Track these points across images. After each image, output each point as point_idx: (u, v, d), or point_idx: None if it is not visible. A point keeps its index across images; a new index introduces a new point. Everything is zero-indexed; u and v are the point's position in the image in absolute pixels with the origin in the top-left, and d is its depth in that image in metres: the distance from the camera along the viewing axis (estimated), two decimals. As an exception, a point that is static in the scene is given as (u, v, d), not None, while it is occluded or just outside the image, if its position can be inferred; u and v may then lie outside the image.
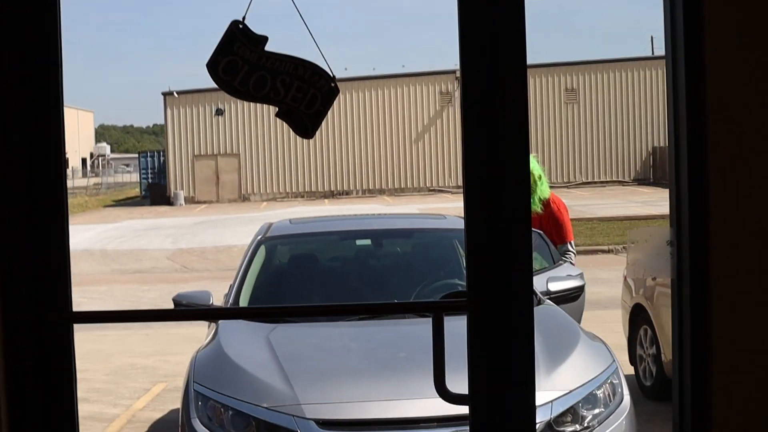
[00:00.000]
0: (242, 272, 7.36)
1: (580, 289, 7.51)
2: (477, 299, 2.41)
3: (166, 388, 10.98)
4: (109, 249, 28.55)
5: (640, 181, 52.54)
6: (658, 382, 9.35)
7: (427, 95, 52.95)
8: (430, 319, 6.44)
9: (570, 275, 7.73)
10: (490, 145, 2.41)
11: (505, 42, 2.38)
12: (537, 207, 9.20)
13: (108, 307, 17.66)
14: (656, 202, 36.83)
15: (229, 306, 7.01)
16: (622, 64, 53.68)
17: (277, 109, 2.37)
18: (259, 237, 7.89)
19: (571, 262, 8.72)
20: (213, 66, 2.33)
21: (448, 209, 38.85)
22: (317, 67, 2.35)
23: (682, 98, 2.48)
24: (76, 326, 2.47)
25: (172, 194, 51.66)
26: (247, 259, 7.54)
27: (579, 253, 28.24)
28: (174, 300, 7.12)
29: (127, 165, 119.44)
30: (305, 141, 53.40)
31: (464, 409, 5.16)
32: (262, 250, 7.65)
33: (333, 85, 2.37)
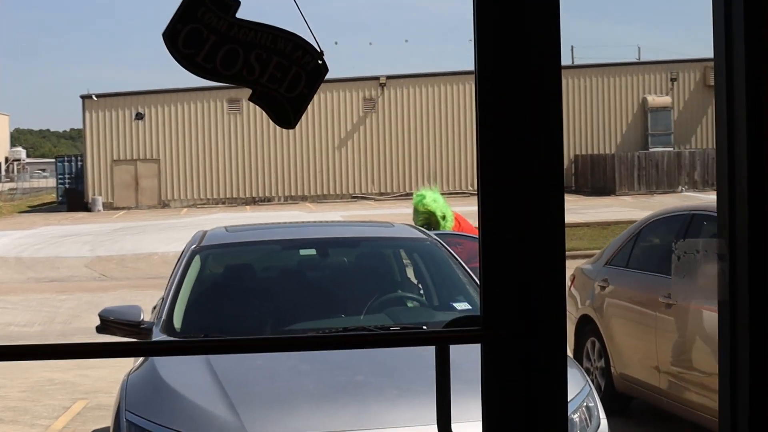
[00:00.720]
0: (175, 285, 6.68)
1: None
2: (494, 327, 1.96)
3: (87, 405, 10.33)
4: (24, 256, 27.70)
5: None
6: (607, 397, 8.99)
7: (350, 101, 52.54)
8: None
9: None
10: (510, 133, 1.96)
11: None
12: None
13: (23, 318, 16.92)
14: (579, 209, 36.74)
15: (161, 322, 6.32)
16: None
17: (251, 91, 1.88)
18: (193, 246, 7.21)
19: None
20: (171, 36, 1.84)
21: (372, 216, 38.42)
22: (301, 40, 1.87)
23: (740, 94, 2.04)
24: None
25: (90, 200, 50.63)
26: (180, 270, 6.87)
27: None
28: (100, 315, 6.49)
29: (44, 170, 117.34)
30: (226, 147, 52.93)
31: None
32: (196, 260, 6.99)
33: (320, 62, 1.88)
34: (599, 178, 48.44)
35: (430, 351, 5.76)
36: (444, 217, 9.32)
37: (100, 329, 6.48)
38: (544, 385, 1.97)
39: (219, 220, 38.91)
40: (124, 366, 6.80)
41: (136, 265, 25.08)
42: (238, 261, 7.36)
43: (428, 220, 9.26)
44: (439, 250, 7.14)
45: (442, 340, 2.07)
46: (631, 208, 38.17)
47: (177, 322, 6.27)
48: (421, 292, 7.02)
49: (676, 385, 7.80)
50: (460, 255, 8.66)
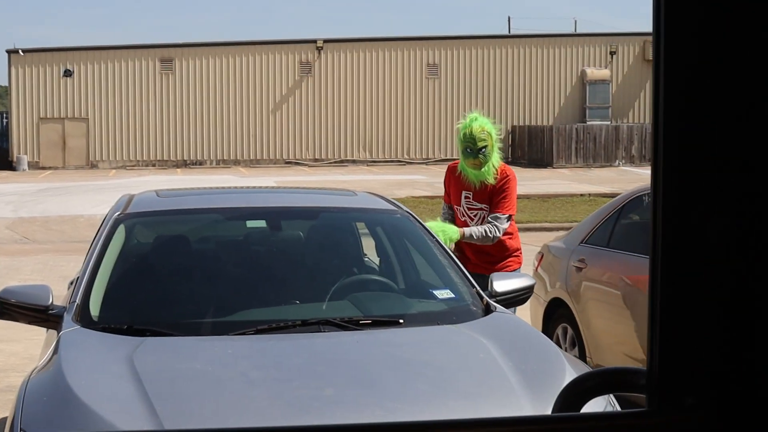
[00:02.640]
0: (94, 261, 5.47)
1: (529, 290, 5.95)
2: (679, 405, 1.02)
3: (-6, 387, 9.21)
4: (-59, 216, 26.37)
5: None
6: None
7: (286, 64, 51.37)
8: (362, 331, 4.85)
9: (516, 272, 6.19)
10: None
11: None
12: (490, 177, 7.35)
13: (-64, 282, 15.71)
14: (521, 181, 36.01)
15: (74, 308, 5.09)
16: (482, 40, 53.07)
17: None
18: (117, 213, 5.99)
19: (492, 228, 7.15)
20: None
21: (306, 182, 37.38)
22: None
23: None
24: None
25: (15, 159, 49.02)
26: (100, 243, 5.65)
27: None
28: (0, 297, 5.33)
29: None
30: (158, 107, 51.98)
31: None
32: (120, 230, 5.79)
33: None
34: (537, 150, 47.93)
35: (421, 348, 4.72)
36: (496, 142, 7.38)
37: None
38: None
39: (149, 183, 37.72)
40: (41, 339, 5.73)
41: (61, 228, 23.90)
42: (171, 233, 6.20)
43: (483, 147, 7.24)
44: (413, 225, 6.11)
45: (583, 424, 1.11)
46: (569, 181, 37.61)
47: (94, 309, 5.11)
48: (394, 275, 5.94)
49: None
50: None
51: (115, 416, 3.87)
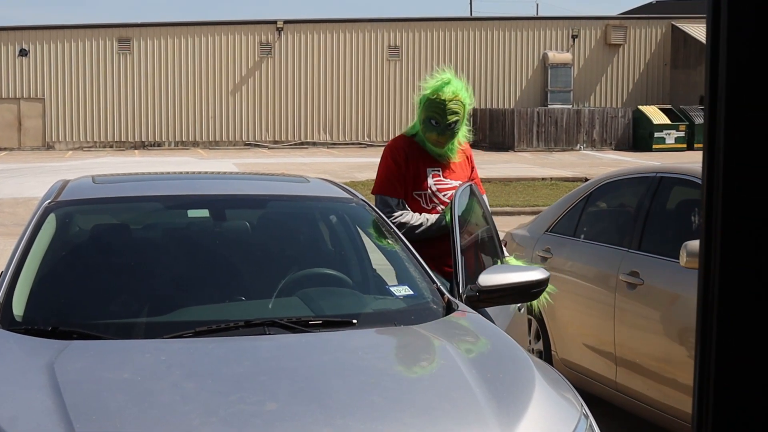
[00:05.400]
0: (19, 255, 4.90)
1: (541, 285, 5.01)
2: None
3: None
4: None
5: (460, 142, 51.64)
6: (543, 383, 7.84)
7: (246, 45, 50.80)
8: (312, 333, 4.45)
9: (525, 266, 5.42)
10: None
11: None
12: (453, 155, 6.18)
13: None
14: (479, 165, 35.67)
15: None
16: (444, 23, 52.83)
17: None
18: (47, 201, 5.43)
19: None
20: None
21: (266, 165, 36.90)
22: None
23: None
24: None
25: (-31, 139, 48.27)
26: (28, 233, 5.09)
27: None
28: None
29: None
30: (115, 88, 51.22)
31: None
32: (50, 220, 5.23)
33: None
34: (498, 133, 47.69)
35: (376, 353, 4.30)
36: (469, 119, 6.14)
37: None
38: None
39: (105, 164, 37.17)
40: None
41: (14, 210, 23.37)
42: (106, 223, 5.67)
43: (453, 122, 6.01)
44: (369, 214, 5.64)
45: None
46: (531, 165, 37.40)
47: (18, 308, 4.55)
48: (348, 269, 5.43)
49: (636, 379, 6.63)
50: None
51: None
